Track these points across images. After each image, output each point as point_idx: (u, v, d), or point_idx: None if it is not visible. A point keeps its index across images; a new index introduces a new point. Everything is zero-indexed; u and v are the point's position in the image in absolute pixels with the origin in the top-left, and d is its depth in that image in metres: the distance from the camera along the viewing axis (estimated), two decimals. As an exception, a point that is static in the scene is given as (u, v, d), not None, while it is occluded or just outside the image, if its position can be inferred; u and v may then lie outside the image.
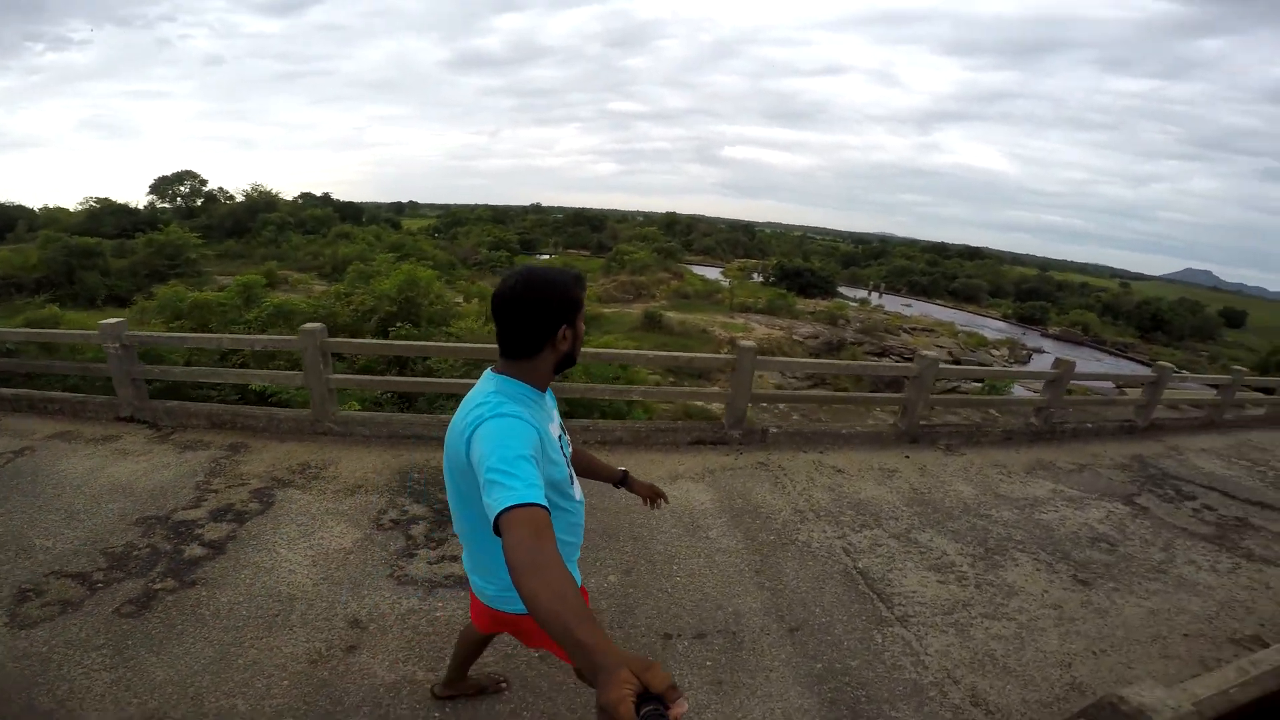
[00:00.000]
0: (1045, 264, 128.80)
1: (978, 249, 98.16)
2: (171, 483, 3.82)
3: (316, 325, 4.53)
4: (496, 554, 1.46)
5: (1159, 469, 5.85)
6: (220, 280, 26.66)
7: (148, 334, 4.98)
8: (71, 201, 52.35)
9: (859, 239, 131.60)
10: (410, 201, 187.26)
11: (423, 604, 2.82)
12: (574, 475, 1.61)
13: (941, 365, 5.60)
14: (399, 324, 9.28)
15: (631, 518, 3.70)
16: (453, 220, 65.00)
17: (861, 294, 47.81)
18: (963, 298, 53.83)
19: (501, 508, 1.08)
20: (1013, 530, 4.14)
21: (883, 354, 19.46)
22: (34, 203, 59.22)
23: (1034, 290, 55.94)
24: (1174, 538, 4.35)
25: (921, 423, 5.72)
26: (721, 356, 5.28)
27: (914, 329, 29.46)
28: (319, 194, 65.03)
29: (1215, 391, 8.74)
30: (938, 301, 51.47)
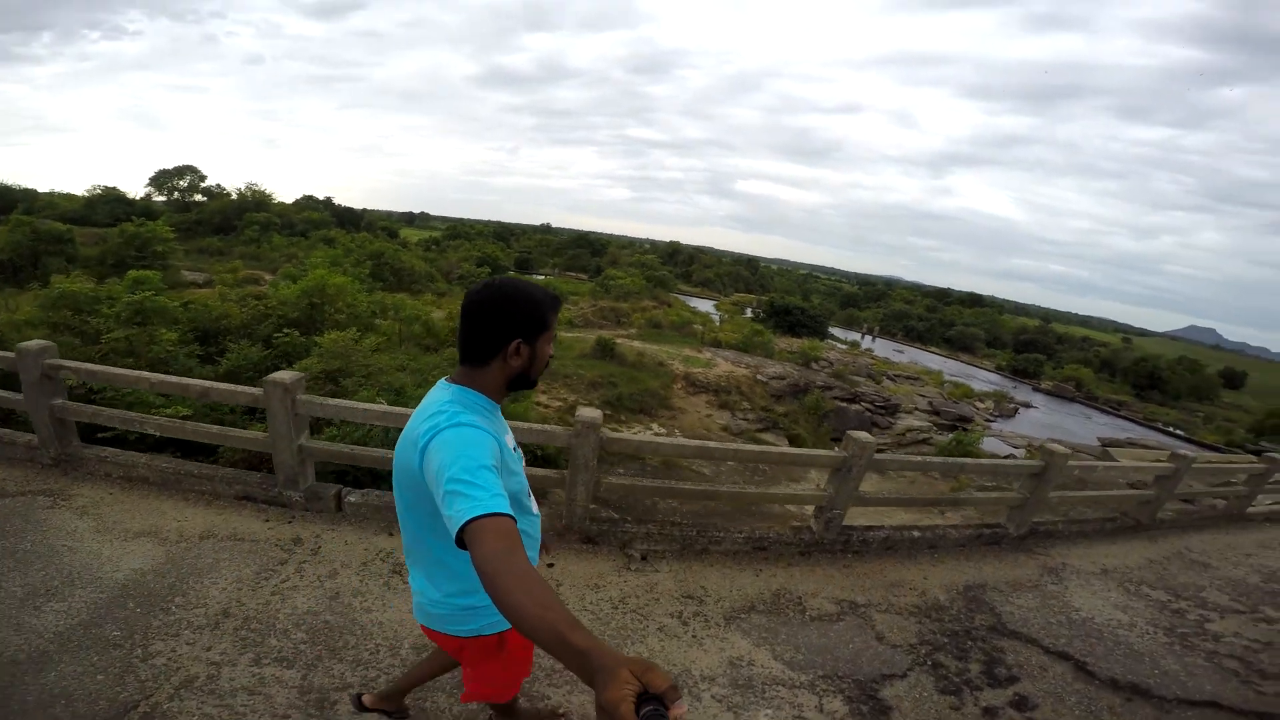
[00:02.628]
0: (1048, 315, 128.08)
1: (979, 296, 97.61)
2: None
3: None
4: (450, 566, 1.44)
5: (991, 615, 3.76)
6: (187, 275, 26.20)
7: None
8: (82, 188, 52.50)
9: (864, 280, 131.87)
10: (422, 212, 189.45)
11: None
12: (530, 488, 1.56)
13: (608, 435, 3.69)
14: (286, 330, 8.60)
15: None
16: (454, 234, 65.00)
17: (855, 337, 47.08)
18: (958, 346, 53.04)
19: (467, 518, 1.05)
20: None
21: (853, 400, 18.55)
22: (46, 187, 59.68)
23: (1032, 342, 55.15)
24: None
25: (594, 520, 3.91)
26: (249, 390, 3.74)
27: (897, 376, 28.59)
28: (321, 197, 65.19)
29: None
30: (932, 349, 50.60)
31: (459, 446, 1.18)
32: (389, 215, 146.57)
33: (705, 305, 49.96)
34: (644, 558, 3.84)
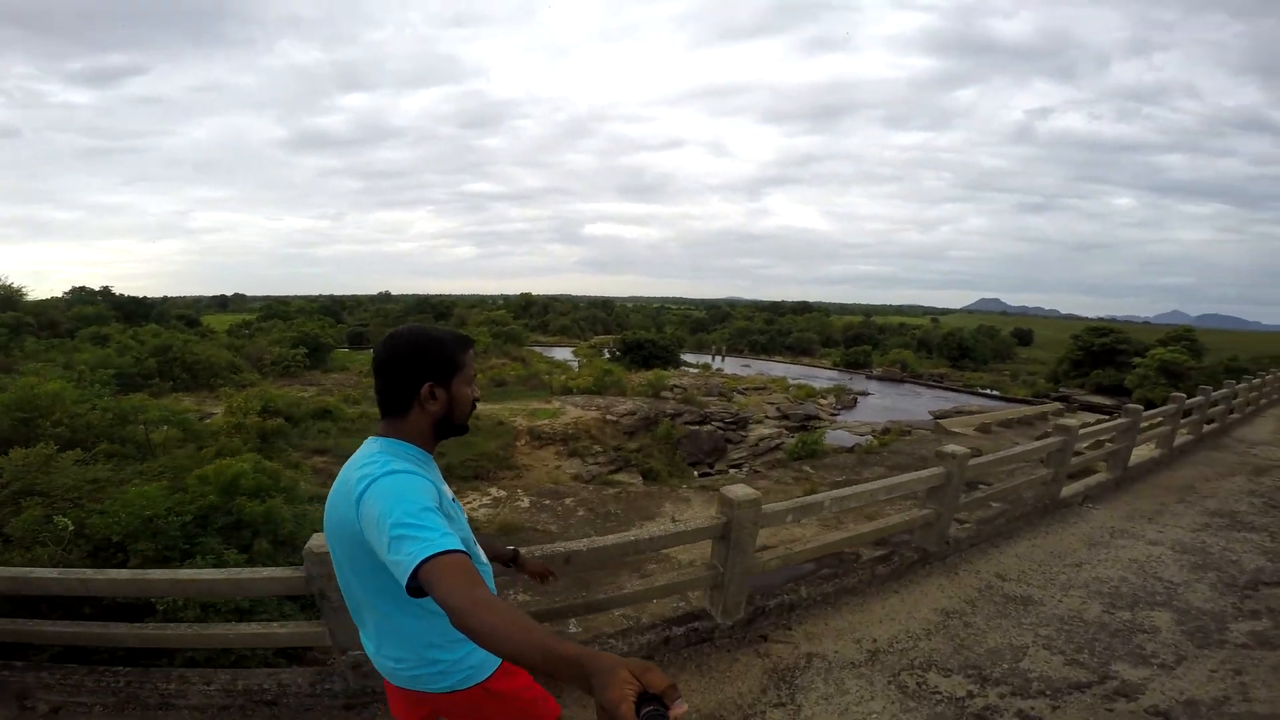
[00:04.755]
0: (869, 310, 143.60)
1: (808, 304, 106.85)
2: None
3: None
4: (404, 623, 1.38)
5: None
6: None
7: None
8: None
9: (709, 305, 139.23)
10: (236, 294, 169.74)
11: None
12: (475, 539, 1.53)
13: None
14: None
15: None
16: (270, 314, 58.48)
17: (707, 359, 48.94)
18: (798, 351, 57.13)
19: (421, 558, 1.04)
20: None
21: (704, 422, 18.79)
22: None
23: (859, 336, 60.99)
24: None
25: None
26: None
27: (747, 389, 29.80)
28: (98, 287, 56.06)
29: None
30: (776, 358, 53.99)
31: (397, 492, 1.17)
32: (197, 301, 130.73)
33: (564, 353, 49.52)
34: (54, 712, 2.65)
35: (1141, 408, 7.33)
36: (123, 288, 53.17)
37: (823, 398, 29.99)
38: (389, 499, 1.15)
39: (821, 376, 42.25)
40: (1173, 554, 4.90)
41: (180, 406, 12.44)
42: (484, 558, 1.55)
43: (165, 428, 10.08)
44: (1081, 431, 6.12)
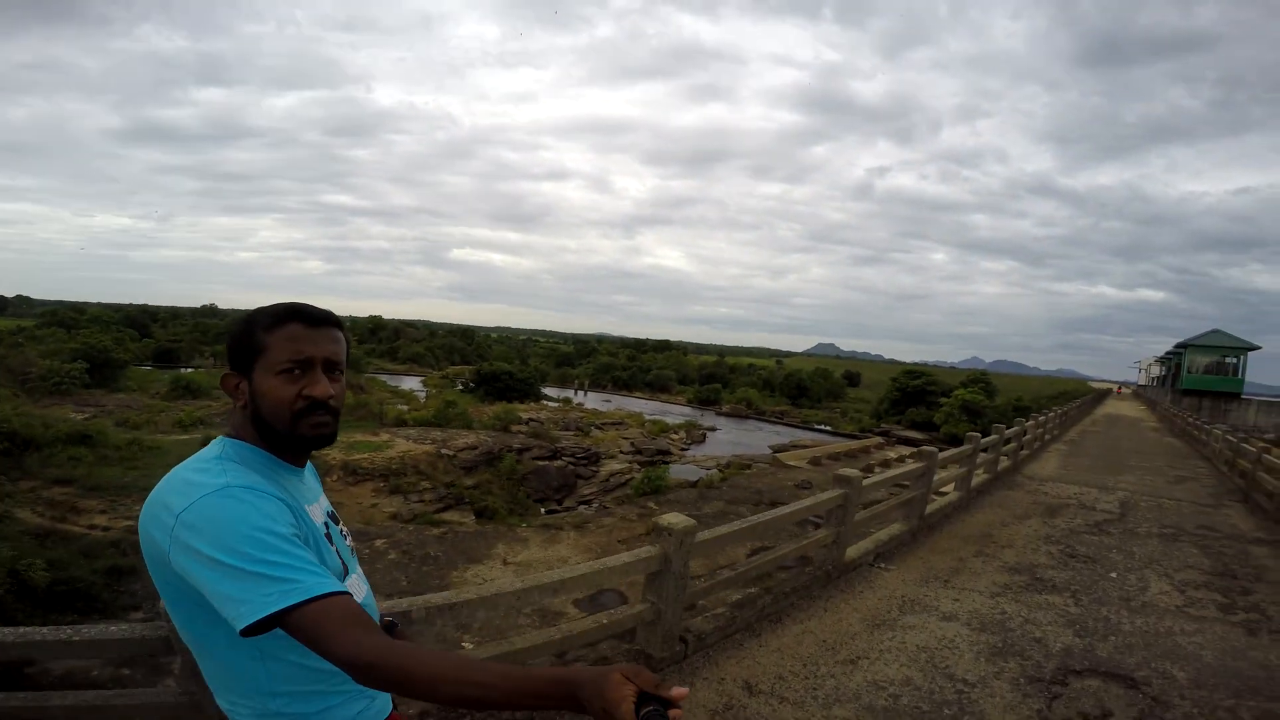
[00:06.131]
0: (721, 350, 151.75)
1: (668, 342, 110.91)
2: None
3: None
4: (240, 665, 1.03)
5: None
6: None
7: None
8: None
9: (577, 339, 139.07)
10: (18, 296, 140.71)
11: None
12: (360, 574, 1.19)
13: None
14: None
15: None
16: (57, 320, 48.67)
17: (570, 393, 48.45)
18: (657, 388, 58.57)
19: (283, 606, 0.83)
20: None
21: (554, 457, 18.13)
22: None
23: (712, 375, 63.92)
24: None
25: None
26: None
27: (605, 424, 29.64)
28: None
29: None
30: (636, 394, 54.92)
31: (236, 514, 0.91)
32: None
33: (414, 382, 46.38)
34: None
35: (937, 450, 6.77)
36: None
37: (675, 433, 30.60)
38: (226, 523, 0.90)
39: (676, 412, 43.39)
40: (969, 634, 4.10)
41: None
42: (363, 597, 1.20)
43: None
44: (866, 483, 5.03)
